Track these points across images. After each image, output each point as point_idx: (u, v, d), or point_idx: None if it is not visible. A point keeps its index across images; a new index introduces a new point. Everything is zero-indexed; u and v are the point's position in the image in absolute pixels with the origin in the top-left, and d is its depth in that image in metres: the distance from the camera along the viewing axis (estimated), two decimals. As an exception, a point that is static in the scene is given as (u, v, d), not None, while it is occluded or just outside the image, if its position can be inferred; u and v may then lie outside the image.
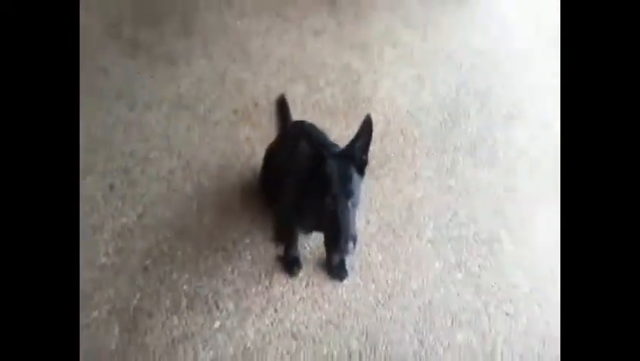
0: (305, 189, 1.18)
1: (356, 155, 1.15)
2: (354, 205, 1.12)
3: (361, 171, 1.17)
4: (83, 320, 1.34)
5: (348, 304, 1.43)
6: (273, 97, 2.01)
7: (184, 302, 1.37)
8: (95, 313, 1.36)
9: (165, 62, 2.13)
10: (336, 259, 1.46)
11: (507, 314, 1.49)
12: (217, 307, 1.37)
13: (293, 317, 1.38)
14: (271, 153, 1.57)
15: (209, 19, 2.38)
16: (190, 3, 2.46)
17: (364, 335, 1.36)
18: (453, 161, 1.90)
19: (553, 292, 1.54)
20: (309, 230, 1.37)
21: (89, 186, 1.65)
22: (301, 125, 1.55)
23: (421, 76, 2.23)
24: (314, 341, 1.33)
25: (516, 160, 1.95)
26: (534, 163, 1.94)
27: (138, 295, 1.41)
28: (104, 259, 1.48)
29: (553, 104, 2.18)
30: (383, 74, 2.20)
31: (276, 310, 1.39)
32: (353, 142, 1.15)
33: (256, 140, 1.84)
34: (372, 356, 1.32)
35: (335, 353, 1.31)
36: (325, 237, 1.16)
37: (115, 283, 1.43)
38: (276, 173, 1.46)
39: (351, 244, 1.07)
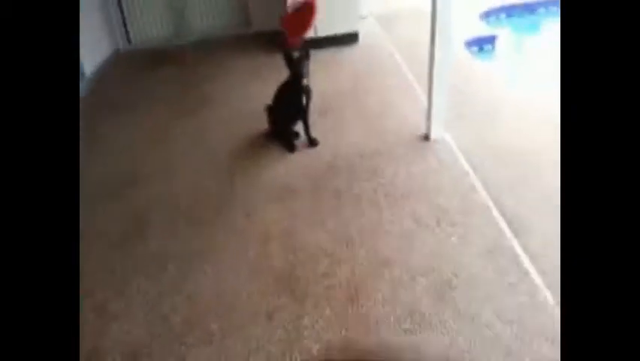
0: (288, 89, 2.54)
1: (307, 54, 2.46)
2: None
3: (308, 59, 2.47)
4: None
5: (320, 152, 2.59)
6: None
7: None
8: None
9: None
10: (311, 136, 2.62)
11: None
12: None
13: (303, 160, 2.52)
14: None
15: None
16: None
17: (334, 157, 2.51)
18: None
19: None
20: (292, 117, 2.61)
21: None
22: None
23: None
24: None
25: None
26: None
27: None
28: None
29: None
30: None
31: (289, 160, 2.54)
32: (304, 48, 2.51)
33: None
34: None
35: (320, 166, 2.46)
36: (303, 115, 2.58)
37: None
38: (276, 101, 2.64)
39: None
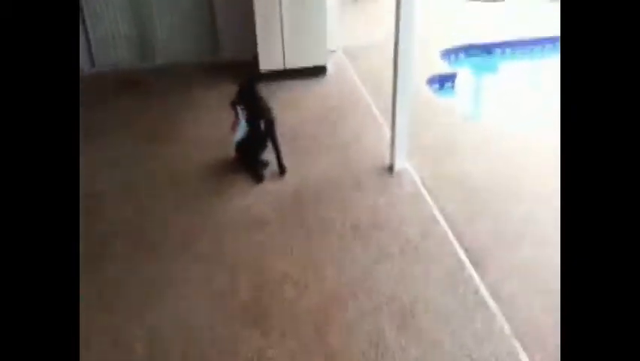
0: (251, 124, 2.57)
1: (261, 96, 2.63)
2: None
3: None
4: None
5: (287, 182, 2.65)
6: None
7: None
8: None
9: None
10: (282, 162, 2.66)
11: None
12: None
13: (270, 190, 2.59)
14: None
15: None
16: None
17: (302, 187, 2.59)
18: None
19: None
20: (259, 147, 2.65)
21: None
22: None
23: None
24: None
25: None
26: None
27: None
28: None
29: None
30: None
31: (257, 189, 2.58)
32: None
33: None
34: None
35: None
36: (273, 143, 2.63)
37: None
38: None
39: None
